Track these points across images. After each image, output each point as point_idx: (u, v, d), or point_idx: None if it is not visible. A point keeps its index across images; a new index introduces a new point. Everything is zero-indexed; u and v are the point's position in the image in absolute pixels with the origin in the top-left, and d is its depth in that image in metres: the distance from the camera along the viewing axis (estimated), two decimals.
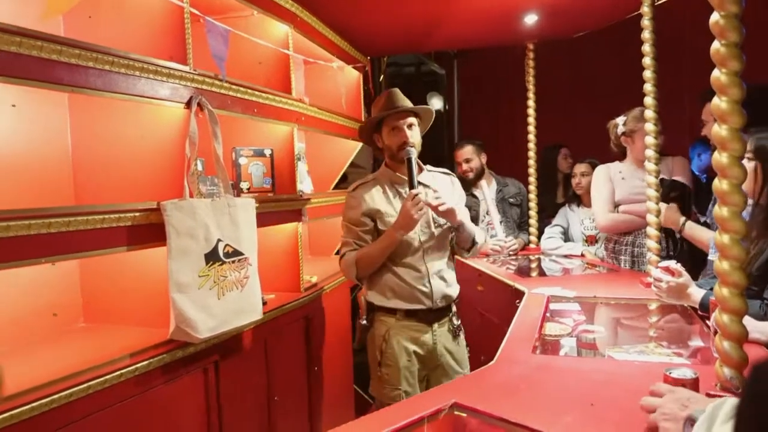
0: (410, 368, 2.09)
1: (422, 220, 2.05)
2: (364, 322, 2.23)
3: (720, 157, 1.05)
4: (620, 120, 2.79)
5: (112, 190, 1.70)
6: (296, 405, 2.34)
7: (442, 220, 2.12)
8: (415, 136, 2.10)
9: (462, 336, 2.23)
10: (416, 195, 1.96)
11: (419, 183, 2.05)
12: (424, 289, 2.08)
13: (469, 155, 3.45)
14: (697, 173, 3.42)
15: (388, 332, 2.11)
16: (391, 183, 2.17)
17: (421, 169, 2.19)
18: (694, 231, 2.41)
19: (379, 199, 2.13)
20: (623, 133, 2.79)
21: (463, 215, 2.15)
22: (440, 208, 2.01)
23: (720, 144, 1.05)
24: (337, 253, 3.16)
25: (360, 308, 2.42)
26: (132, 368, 1.45)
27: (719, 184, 1.08)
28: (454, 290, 2.18)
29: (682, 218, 2.44)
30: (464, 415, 1.09)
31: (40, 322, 1.65)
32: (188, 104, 1.70)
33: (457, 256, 3.30)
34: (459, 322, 2.21)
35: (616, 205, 2.82)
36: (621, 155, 2.90)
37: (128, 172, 1.71)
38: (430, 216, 2.11)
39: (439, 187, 2.18)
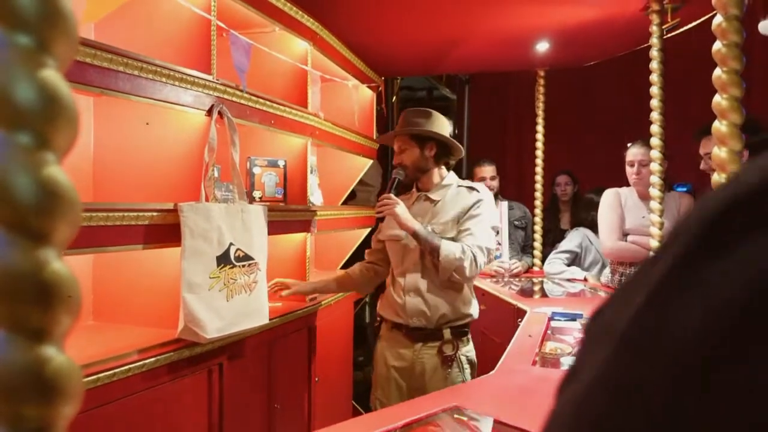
0: (387, 378, 2.09)
1: (401, 231, 2.03)
2: (377, 324, 2.26)
3: (719, 179, 1.10)
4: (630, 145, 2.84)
5: (130, 190, 1.76)
6: (296, 414, 2.35)
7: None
8: (405, 157, 2.08)
9: (459, 368, 2.03)
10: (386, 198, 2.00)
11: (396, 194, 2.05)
12: (399, 302, 2.04)
13: (494, 173, 3.53)
14: None
15: (380, 339, 2.15)
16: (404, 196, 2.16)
17: (418, 188, 2.16)
18: None
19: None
20: (628, 162, 2.83)
21: (416, 223, 1.96)
22: (376, 214, 2.04)
23: (719, 166, 1.10)
24: (343, 267, 3.23)
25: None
26: (139, 364, 1.48)
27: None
28: (437, 312, 1.99)
29: None
30: (464, 418, 1.11)
31: None
32: (209, 112, 1.77)
33: None
34: (456, 352, 2.00)
35: (625, 234, 2.82)
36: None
37: (148, 174, 1.77)
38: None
39: (447, 200, 2.07)
